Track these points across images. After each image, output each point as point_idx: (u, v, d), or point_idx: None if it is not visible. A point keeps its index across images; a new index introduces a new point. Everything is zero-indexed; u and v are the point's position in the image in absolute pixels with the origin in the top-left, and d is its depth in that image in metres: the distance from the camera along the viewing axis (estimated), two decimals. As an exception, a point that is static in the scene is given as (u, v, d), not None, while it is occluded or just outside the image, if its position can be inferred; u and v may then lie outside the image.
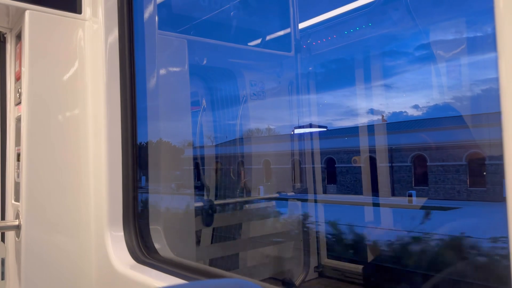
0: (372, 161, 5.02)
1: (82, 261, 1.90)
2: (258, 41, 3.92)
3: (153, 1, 2.23)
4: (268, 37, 4.04)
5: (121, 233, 1.86)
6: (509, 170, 0.68)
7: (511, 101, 0.67)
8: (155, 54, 2.30)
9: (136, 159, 1.92)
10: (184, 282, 1.56)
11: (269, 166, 4.76)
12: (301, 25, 4.04)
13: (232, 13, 3.76)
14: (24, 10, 1.83)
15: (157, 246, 1.98)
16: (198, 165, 4.13)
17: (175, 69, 2.71)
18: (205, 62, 3.76)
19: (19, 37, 1.98)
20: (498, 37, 0.67)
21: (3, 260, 2.01)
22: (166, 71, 2.61)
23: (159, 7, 2.38)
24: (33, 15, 1.83)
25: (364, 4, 3.67)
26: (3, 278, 2.00)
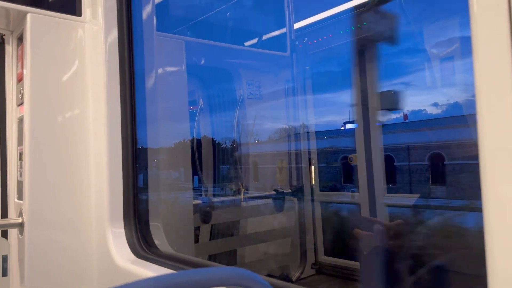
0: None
1: (84, 257, 1.94)
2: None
3: (151, 3, 2.27)
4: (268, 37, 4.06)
5: (121, 230, 1.91)
6: (484, 170, 0.72)
7: (486, 102, 0.72)
8: (154, 55, 2.35)
9: (136, 158, 1.97)
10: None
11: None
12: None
13: (228, 13, 3.80)
14: (25, 13, 1.87)
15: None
16: (310, 161, 4.04)
17: (172, 69, 2.76)
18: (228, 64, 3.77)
19: (20, 39, 2.02)
20: (473, 40, 0.72)
21: (6, 257, 2.05)
22: (164, 71, 2.66)
23: (157, 8, 2.42)
24: (34, 18, 1.88)
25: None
26: (6, 274, 2.04)
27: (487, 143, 0.71)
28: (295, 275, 3.84)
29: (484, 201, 0.72)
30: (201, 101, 4.25)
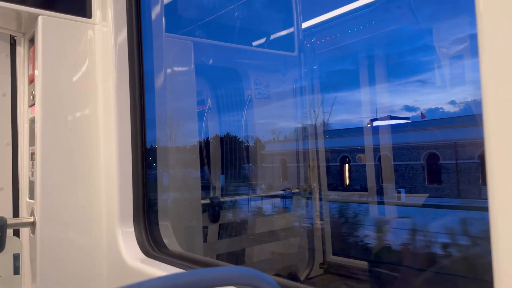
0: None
1: (94, 255, 1.97)
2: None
3: (160, 4, 2.29)
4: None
5: (131, 229, 1.93)
6: (491, 171, 0.72)
7: (492, 102, 0.72)
8: (163, 56, 2.37)
9: (145, 157, 1.99)
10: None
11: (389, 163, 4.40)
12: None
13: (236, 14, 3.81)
14: (37, 15, 1.90)
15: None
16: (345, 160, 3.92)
17: (181, 69, 2.78)
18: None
19: (32, 41, 2.05)
20: (480, 38, 0.72)
21: (18, 255, 2.08)
22: (173, 71, 2.67)
23: (165, 9, 2.44)
24: (45, 20, 1.90)
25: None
26: (18, 273, 2.07)
27: (493, 142, 0.71)
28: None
29: (490, 201, 0.72)
30: (209, 101, 4.26)
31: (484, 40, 0.71)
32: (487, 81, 0.71)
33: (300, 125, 4.15)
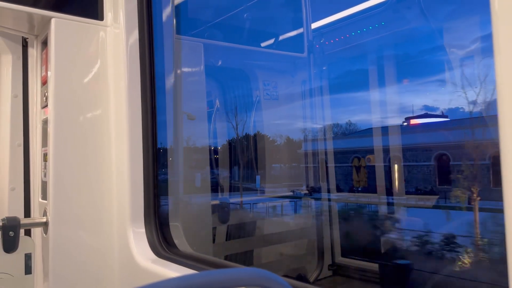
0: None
1: (105, 255, 1.98)
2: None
3: (171, 5, 2.30)
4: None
5: (142, 230, 1.94)
6: (507, 170, 0.71)
7: (508, 101, 0.71)
8: (173, 57, 2.38)
9: (156, 158, 2.00)
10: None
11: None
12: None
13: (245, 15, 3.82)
14: (50, 18, 1.92)
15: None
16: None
17: (192, 70, 2.79)
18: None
19: (44, 43, 2.07)
20: (495, 37, 0.72)
21: (30, 255, 2.10)
22: (184, 73, 2.69)
23: (176, 10, 2.45)
24: (58, 22, 1.93)
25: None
26: (30, 272, 2.09)
27: (509, 142, 0.70)
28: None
29: (506, 202, 0.71)
30: (217, 102, 4.25)
31: (500, 39, 0.71)
32: (502, 81, 0.71)
33: (326, 125, 4.02)
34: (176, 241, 2.01)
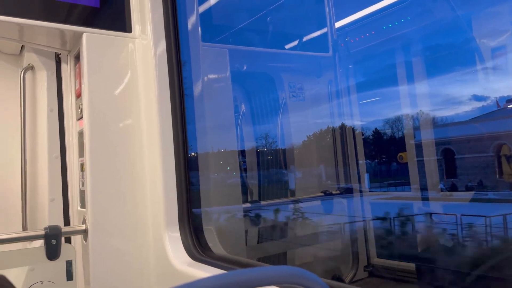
0: None
1: (142, 260, 2.03)
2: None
3: (195, 14, 2.35)
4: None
5: (177, 234, 1.98)
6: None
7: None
8: (200, 64, 2.43)
9: (188, 164, 2.04)
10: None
11: None
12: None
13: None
14: (81, 33, 2.00)
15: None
16: None
17: (218, 77, 2.83)
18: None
19: (77, 58, 2.16)
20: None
21: (71, 262, 2.18)
22: (210, 79, 2.73)
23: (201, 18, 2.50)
24: (89, 37, 2.00)
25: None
26: (71, 278, 2.17)
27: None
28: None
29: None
30: (243, 107, 4.24)
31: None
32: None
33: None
34: (210, 244, 2.05)
